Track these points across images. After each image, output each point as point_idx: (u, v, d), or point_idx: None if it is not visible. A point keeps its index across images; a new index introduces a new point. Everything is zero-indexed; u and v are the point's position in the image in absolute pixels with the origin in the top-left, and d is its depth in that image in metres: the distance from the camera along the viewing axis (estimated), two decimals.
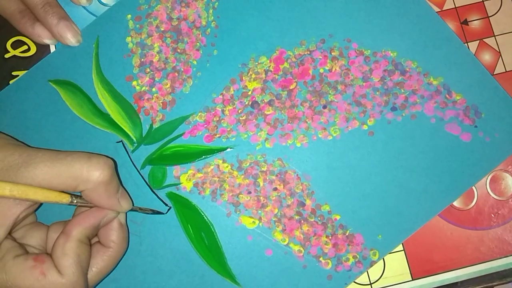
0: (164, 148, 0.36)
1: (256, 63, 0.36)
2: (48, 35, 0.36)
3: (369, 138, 0.35)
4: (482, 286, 0.35)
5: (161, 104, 0.36)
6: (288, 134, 0.36)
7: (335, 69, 0.36)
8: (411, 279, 0.35)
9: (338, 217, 0.35)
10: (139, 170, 0.36)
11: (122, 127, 0.36)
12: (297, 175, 0.35)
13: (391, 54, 0.36)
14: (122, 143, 0.36)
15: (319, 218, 0.35)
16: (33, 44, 0.38)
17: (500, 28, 0.37)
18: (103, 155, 0.30)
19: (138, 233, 0.35)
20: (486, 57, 0.37)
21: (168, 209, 0.35)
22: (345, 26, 0.36)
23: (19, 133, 0.36)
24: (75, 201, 0.30)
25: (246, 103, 0.36)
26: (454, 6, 0.37)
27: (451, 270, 0.35)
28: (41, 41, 0.36)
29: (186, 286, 0.35)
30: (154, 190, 0.35)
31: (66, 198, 0.29)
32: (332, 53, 0.36)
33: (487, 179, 0.36)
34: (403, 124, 0.35)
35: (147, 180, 0.36)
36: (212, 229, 0.35)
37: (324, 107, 0.36)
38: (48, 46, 0.37)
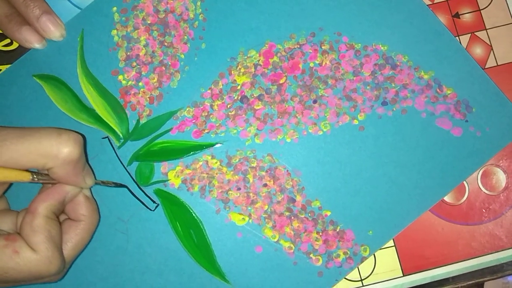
0: (151, 144, 0.35)
1: (245, 57, 0.36)
2: (36, 39, 0.35)
3: (359, 133, 0.35)
4: (473, 282, 0.35)
5: (148, 99, 0.35)
6: (278, 129, 0.35)
7: (326, 63, 0.36)
8: (402, 275, 0.35)
9: (328, 213, 0.34)
10: (125, 166, 0.35)
11: (108, 122, 0.35)
12: (287, 170, 0.35)
13: (382, 48, 0.36)
14: (108, 139, 0.35)
15: (309, 214, 0.35)
16: None
17: (491, 21, 0.37)
18: (72, 130, 0.29)
19: (125, 231, 0.34)
20: (478, 50, 0.37)
21: (156, 206, 0.35)
22: (335, 19, 0.36)
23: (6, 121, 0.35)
24: (36, 179, 0.29)
25: (235, 97, 0.35)
26: None
27: (443, 266, 0.35)
28: (29, 45, 0.35)
29: (174, 285, 0.34)
30: (141, 187, 0.35)
31: (27, 177, 0.28)
32: (323, 47, 0.36)
33: (478, 174, 0.36)
34: (394, 119, 0.35)
35: (134, 177, 0.35)
36: (201, 226, 0.34)
37: (315, 101, 0.35)
38: None
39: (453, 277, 0.35)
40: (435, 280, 0.35)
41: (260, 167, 0.35)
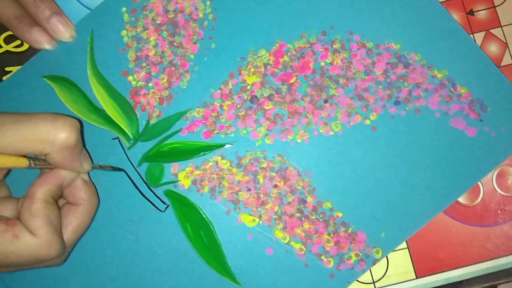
0: (161, 144, 0.35)
1: (255, 57, 0.35)
2: (46, 40, 0.35)
3: (371, 133, 0.34)
4: (488, 284, 0.34)
5: (157, 99, 0.35)
6: (289, 130, 0.35)
7: (337, 62, 0.35)
8: (415, 277, 0.34)
9: (340, 214, 0.34)
10: (135, 167, 0.35)
11: (118, 123, 0.35)
12: (297, 171, 0.34)
13: (394, 47, 0.35)
14: (118, 139, 0.35)
15: (320, 216, 0.34)
16: None
17: (507, 18, 0.36)
18: (68, 115, 0.29)
19: (136, 231, 0.34)
20: (493, 48, 0.36)
21: (166, 207, 0.34)
22: (346, 17, 0.35)
23: None
24: (33, 164, 0.29)
25: (245, 98, 0.35)
26: None
27: (456, 268, 0.34)
28: (39, 46, 0.35)
29: (184, 286, 0.34)
30: (151, 188, 0.35)
31: (24, 163, 0.28)
32: (334, 46, 0.35)
33: (493, 174, 0.35)
34: (406, 119, 0.34)
35: (144, 178, 0.35)
36: (211, 227, 0.34)
37: (325, 101, 0.35)
38: None
39: (467, 280, 0.34)
40: (449, 282, 0.34)
41: (270, 167, 0.35)
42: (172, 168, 0.35)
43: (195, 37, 0.36)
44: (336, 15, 0.35)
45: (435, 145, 0.34)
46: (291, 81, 0.35)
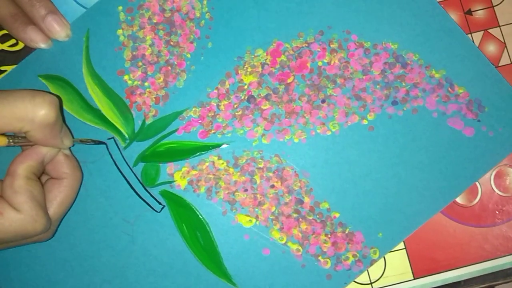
0: (157, 144, 0.35)
1: (252, 56, 0.35)
2: (41, 39, 0.34)
3: (369, 133, 0.34)
4: (486, 285, 0.34)
5: (154, 99, 0.35)
6: (286, 130, 0.35)
7: (334, 62, 0.35)
8: (412, 278, 0.34)
9: (337, 215, 0.34)
10: (131, 167, 0.34)
11: (114, 123, 0.35)
12: (295, 171, 0.34)
13: (392, 46, 0.35)
14: (114, 139, 0.35)
15: (318, 216, 0.34)
16: None
17: (505, 18, 0.36)
18: (47, 92, 0.29)
19: (131, 232, 0.34)
20: (491, 48, 0.36)
21: (162, 208, 0.34)
22: (344, 17, 0.35)
23: None
24: (13, 142, 0.29)
25: (242, 97, 0.35)
26: None
27: (454, 269, 0.34)
28: (34, 45, 0.34)
29: (180, 287, 0.33)
30: (147, 188, 0.34)
31: (3, 141, 0.28)
32: (331, 46, 0.35)
33: (491, 174, 0.35)
34: (404, 119, 0.34)
35: (139, 178, 0.34)
36: (208, 228, 0.34)
37: (323, 101, 0.35)
38: None
39: (465, 280, 0.34)
40: (447, 283, 0.34)
41: (268, 168, 0.34)
42: (168, 168, 0.34)
43: (191, 36, 0.35)
44: (334, 15, 0.35)
45: (433, 145, 0.34)
46: (289, 81, 0.35)
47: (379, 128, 0.34)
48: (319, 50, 0.35)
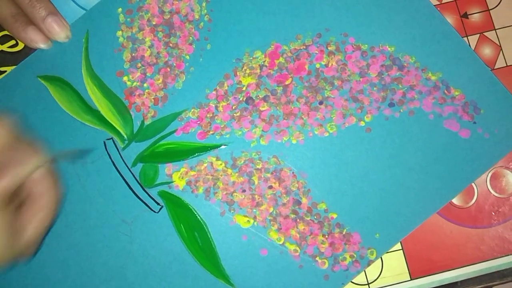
0: (156, 145, 0.35)
1: (251, 58, 0.35)
2: (41, 39, 0.34)
3: (366, 134, 0.34)
4: (482, 286, 0.34)
5: (152, 100, 0.35)
6: (284, 131, 0.35)
7: (332, 64, 0.35)
8: (409, 278, 0.34)
9: (334, 216, 0.34)
10: (130, 168, 0.35)
11: (113, 123, 0.35)
12: (292, 172, 0.34)
13: (389, 49, 0.35)
14: (113, 140, 0.35)
15: (315, 217, 0.34)
16: None
17: (501, 21, 0.36)
18: None
19: (129, 232, 0.34)
20: (487, 51, 0.36)
21: (160, 208, 0.34)
22: (342, 20, 0.35)
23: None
24: None
25: (241, 99, 0.35)
26: None
27: (451, 270, 0.34)
28: (34, 45, 0.35)
29: (176, 287, 0.34)
30: (145, 189, 0.34)
31: None
32: (329, 48, 0.35)
33: (487, 176, 0.35)
34: (401, 121, 0.35)
35: (138, 179, 0.35)
36: (206, 228, 0.34)
37: (321, 103, 0.35)
38: None
39: (461, 281, 0.34)
40: (443, 284, 0.34)
41: (266, 168, 0.35)
42: (167, 169, 0.35)
43: (190, 38, 0.36)
44: (332, 18, 0.36)
45: (429, 146, 0.34)
46: (287, 83, 0.35)
47: (376, 130, 0.34)
48: (317, 52, 0.35)
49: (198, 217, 0.34)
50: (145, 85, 0.35)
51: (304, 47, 0.35)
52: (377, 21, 0.35)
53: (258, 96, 0.35)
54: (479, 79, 0.35)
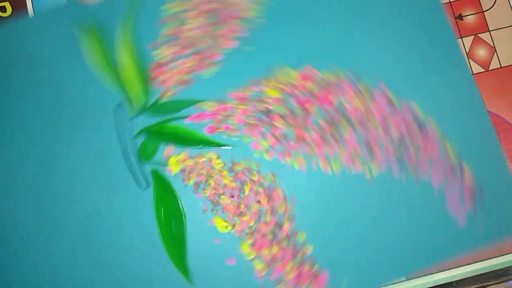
0: (164, 124, 0.35)
1: (283, 73, 0.35)
2: None
3: (368, 187, 0.34)
4: (477, 286, 0.34)
5: (176, 80, 0.35)
6: (290, 153, 0.35)
7: (357, 104, 0.35)
8: (405, 279, 0.34)
9: (310, 250, 0.34)
10: (131, 138, 0.35)
11: (130, 90, 0.35)
12: (284, 195, 0.34)
13: (416, 107, 0.35)
14: (124, 106, 0.35)
15: (291, 245, 0.34)
16: (9, 5, 0.36)
17: (495, 23, 0.37)
18: None
19: (110, 199, 0.34)
20: (481, 52, 0.36)
21: (147, 187, 0.34)
22: (380, 64, 0.35)
23: (27, 65, 0.35)
24: None
25: (260, 108, 0.35)
26: (448, 1, 0.37)
27: (446, 270, 0.34)
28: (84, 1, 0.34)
29: (138, 266, 0.34)
30: (139, 163, 0.34)
31: None
32: (359, 87, 0.35)
33: None
34: (406, 186, 0.34)
35: (136, 151, 0.35)
36: (183, 219, 0.34)
37: (334, 138, 0.35)
38: (25, 7, 0.36)
39: (457, 281, 0.34)
40: (439, 284, 0.34)
41: (260, 183, 0.34)
42: (166, 150, 0.35)
43: (234, 34, 0.35)
44: (371, 59, 0.35)
45: (423, 219, 0.34)
46: (309, 108, 0.35)
47: (379, 185, 0.34)
48: (347, 88, 0.35)
49: (180, 206, 0.34)
50: (174, 64, 0.35)
51: (337, 79, 0.35)
52: (416, 78, 0.35)
53: (277, 111, 0.35)
54: (494, 169, 0.34)
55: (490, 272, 0.34)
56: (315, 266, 0.34)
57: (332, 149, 0.35)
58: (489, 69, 0.36)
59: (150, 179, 0.34)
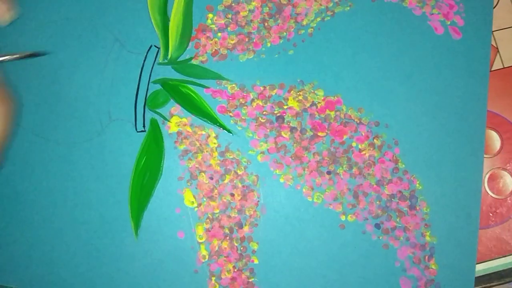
0: (184, 84, 0.35)
1: (312, 91, 0.35)
2: None
3: (339, 231, 0.34)
4: (480, 287, 0.34)
5: (214, 50, 0.35)
6: (281, 166, 0.35)
7: (365, 153, 0.35)
8: None
9: (256, 262, 0.34)
10: (149, 82, 0.35)
11: (169, 39, 0.35)
12: (258, 200, 0.34)
13: (417, 184, 0.34)
14: (158, 51, 0.35)
15: (241, 249, 0.34)
16: None
17: (497, 23, 0.36)
18: None
19: (102, 127, 0.35)
20: None
21: (141, 131, 0.35)
22: (404, 127, 0.34)
23: None
24: None
25: (275, 112, 0.35)
26: None
27: None
28: None
29: (97, 199, 0.34)
30: (145, 107, 0.35)
31: None
32: (375, 140, 0.35)
33: (485, 177, 0.35)
34: (374, 245, 0.34)
35: (147, 96, 0.35)
36: (157, 177, 0.34)
37: (328, 173, 0.34)
38: None
39: None
40: None
41: (242, 179, 0.35)
42: (174, 108, 0.35)
43: (284, 33, 0.36)
44: (398, 120, 0.35)
45: (373, 280, 0.33)
46: (319, 134, 0.35)
47: (348, 233, 0.34)
48: (363, 134, 0.35)
49: (161, 164, 0.35)
50: (219, 34, 0.36)
51: (358, 121, 0.35)
52: (430, 156, 0.34)
53: (289, 122, 0.35)
54: (460, 272, 0.33)
55: (493, 273, 0.34)
56: (252, 279, 0.34)
57: (322, 180, 0.34)
58: (492, 69, 0.36)
59: (147, 125, 0.35)
